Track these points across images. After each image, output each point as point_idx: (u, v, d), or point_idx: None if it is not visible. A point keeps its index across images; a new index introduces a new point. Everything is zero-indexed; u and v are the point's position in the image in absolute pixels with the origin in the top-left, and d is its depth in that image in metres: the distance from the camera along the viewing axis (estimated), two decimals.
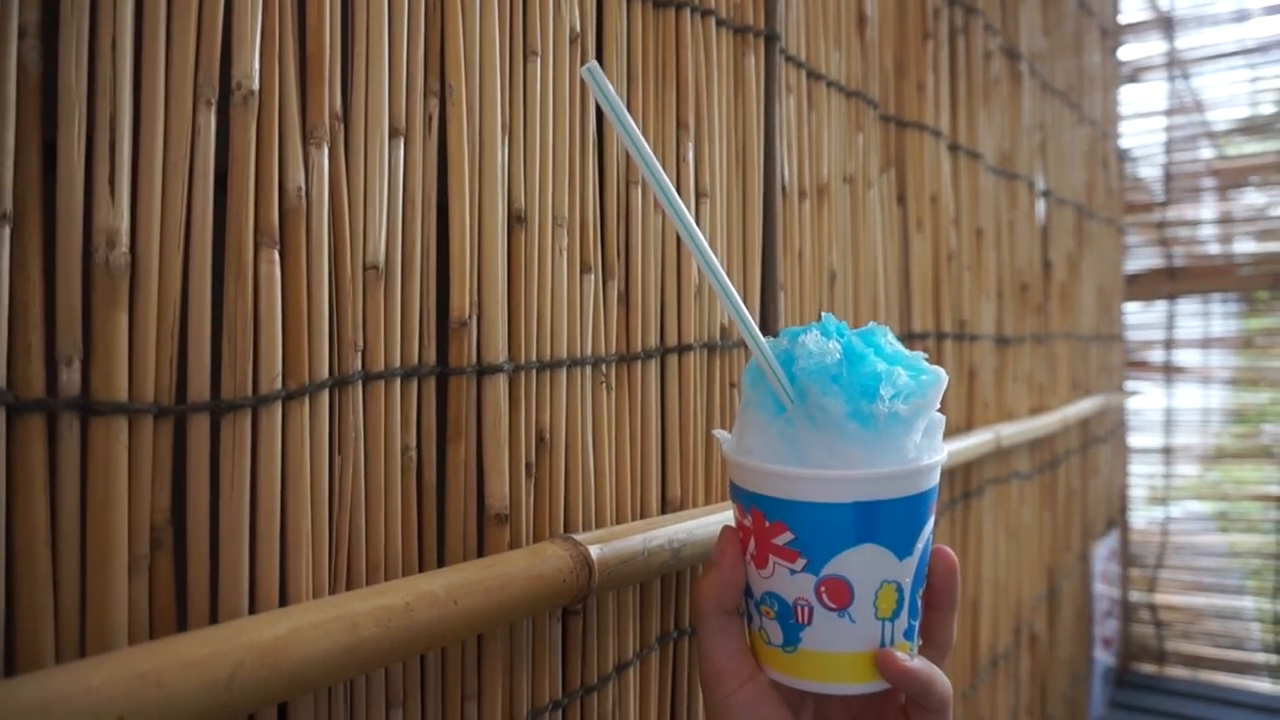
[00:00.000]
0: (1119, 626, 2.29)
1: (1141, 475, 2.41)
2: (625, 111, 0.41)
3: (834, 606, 0.42)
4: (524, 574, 0.45)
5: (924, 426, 0.42)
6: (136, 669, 0.30)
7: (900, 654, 0.42)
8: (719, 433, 0.47)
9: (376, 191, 0.43)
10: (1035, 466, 1.48)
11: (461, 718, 0.48)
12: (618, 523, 0.58)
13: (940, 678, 0.43)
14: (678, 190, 0.62)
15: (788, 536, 0.42)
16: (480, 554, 0.49)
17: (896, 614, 0.43)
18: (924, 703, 0.43)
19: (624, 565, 0.51)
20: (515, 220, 0.51)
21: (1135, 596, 2.39)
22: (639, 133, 0.41)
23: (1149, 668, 2.38)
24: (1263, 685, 2.27)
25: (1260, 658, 2.28)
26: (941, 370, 0.43)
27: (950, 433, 1.11)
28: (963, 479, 1.15)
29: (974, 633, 1.22)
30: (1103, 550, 2.02)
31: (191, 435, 0.36)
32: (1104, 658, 2.08)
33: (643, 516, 0.60)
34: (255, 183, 0.38)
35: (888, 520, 0.41)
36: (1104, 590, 2.05)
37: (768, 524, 0.42)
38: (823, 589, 0.42)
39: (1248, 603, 2.29)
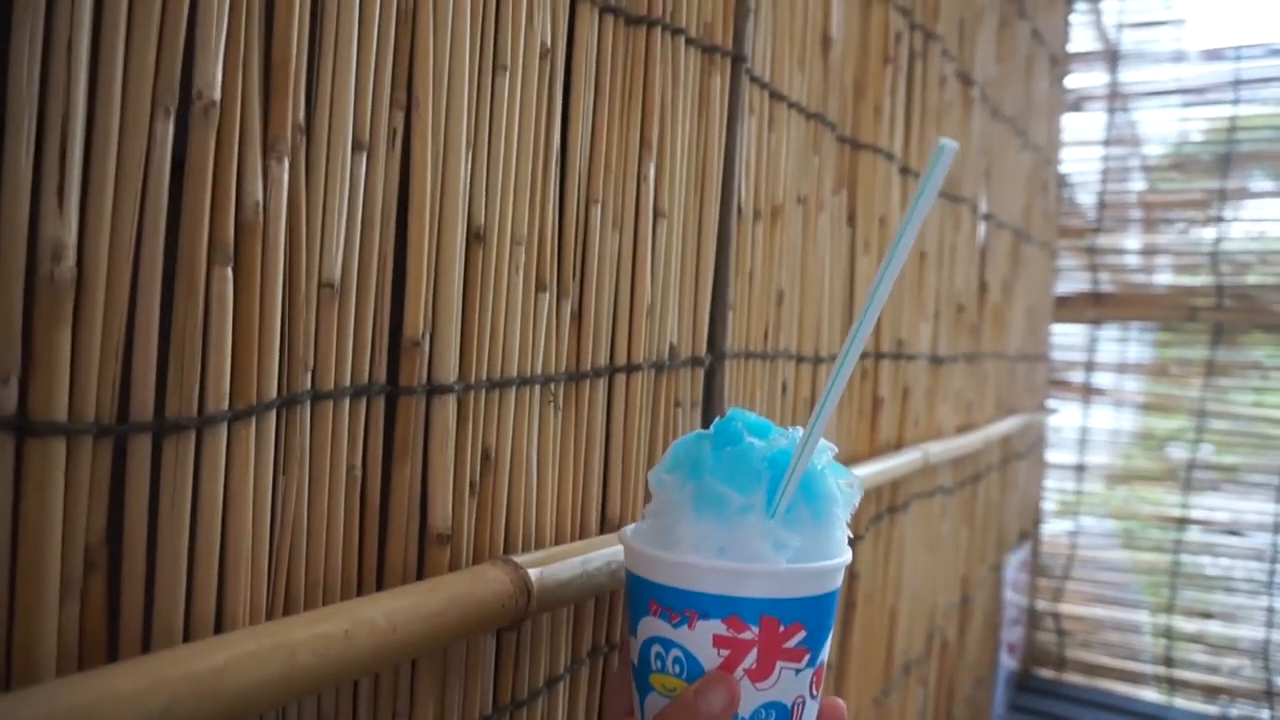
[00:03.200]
0: (1023, 633, 2.38)
1: (1054, 489, 2.50)
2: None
3: (815, 694, 0.43)
4: (464, 599, 0.45)
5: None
6: (67, 702, 0.29)
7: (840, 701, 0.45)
8: (680, 558, 0.41)
9: (336, 207, 0.42)
10: (958, 481, 1.53)
11: None
12: (557, 542, 0.58)
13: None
14: (635, 212, 0.62)
15: (801, 635, 0.41)
16: (420, 574, 0.49)
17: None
18: None
19: (563, 589, 0.51)
20: (474, 238, 0.50)
21: (1041, 605, 2.49)
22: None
23: (1049, 673, 2.48)
24: (1151, 695, 2.39)
25: (1150, 669, 2.39)
26: (852, 486, 0.46)
27: (882, 450, 1.14)
28: (890, 495, 1.18)
29: (890, 641, 1.26)
30: (1015, 561, 2.10)
31: (132, 455, 0.35)
32: (1008, 663, 2.17)
33: (582, 535, 0.60)
34: (211, 196, 0.37)
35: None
36: (1013, 599, 2.13)
37: (782, 629, 0.40)
38: (814, 678, 0.42)
39: (1144, 617, 2.40)
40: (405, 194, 0.47)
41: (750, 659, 0.40)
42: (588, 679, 0.63)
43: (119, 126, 0.34)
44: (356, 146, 0.44)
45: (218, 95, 0.37)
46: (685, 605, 0.41)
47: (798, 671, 0.41)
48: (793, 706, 0.41)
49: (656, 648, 0.42)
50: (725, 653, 0.40)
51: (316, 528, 0.43)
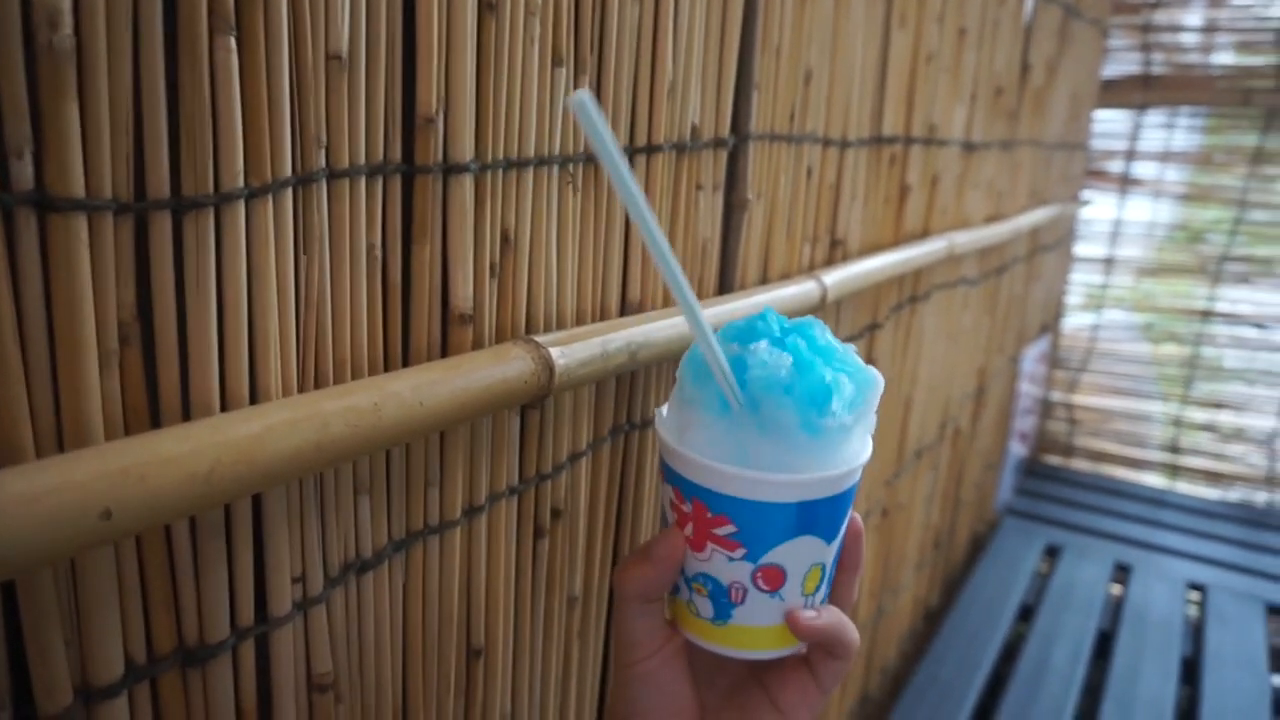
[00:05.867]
0: (1035, 423, 2.45)
1: (1079, 283, 2.49)
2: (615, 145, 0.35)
3: (767, 589, 0.44)
4: (488, 376, 0.46)
5: (862, 429, 0.44)
6: (119, 464, 0.31)
7: (808, 613, 0.45)
8: (660, 414, 0.46)
9: None
10: (982, 273, 1.52)
11: (424, 503, 0.51)
12: (577, 323, 0.59)
13: (849, 628, 0.46)
14: None
15: (730, 529, 0.43)
16: (444, 353, 0.50)
17: (819, 589, 0.46)
18: (835, 652, 0.46)
19: (583, 368, 0.53)
20: (486, 7, 0.47)
21: (1055, 396, 2.54)
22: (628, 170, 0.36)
23: (1056, 460, 2.58)
24: (1153, 479, 2.48)
25: (1155, 455, 2.48)
26: (878, 374, 0.44)
27: (907, 239, 1.12)
28: (911, 284, 1.18)
29: (903, 427, 1.30)
30: (1033, 352, 2.12)
31: (153, 233, 0.36)
32: (1018, 450, 2.24)
33: (602, 318, 0.61)
34: None
35: (824, 514, 0.43)
36: (1028, 390, 2.17)
37: (710, 515, 0.43)
38: (759, 575, 0.44)
39: (1156, 407, 2.45)
40: None
41: (689, 529, 0.45)
42: (609, 456, 0.66)
43: None
44: None
45: None
46: (662, 465, 0.46)
47: (730, 559, 0.44)
48: (730, 587, 0.44)
49: (661, 495, 0.48)
50: (675, 515, 0.45)
51: (340, 306, 0.44)
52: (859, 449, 0.44)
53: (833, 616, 0.45)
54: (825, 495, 0.43)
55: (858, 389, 0.43)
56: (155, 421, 0.37)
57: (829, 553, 0.45)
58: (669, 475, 0.45)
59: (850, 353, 0.45)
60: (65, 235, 0.33)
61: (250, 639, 0.43)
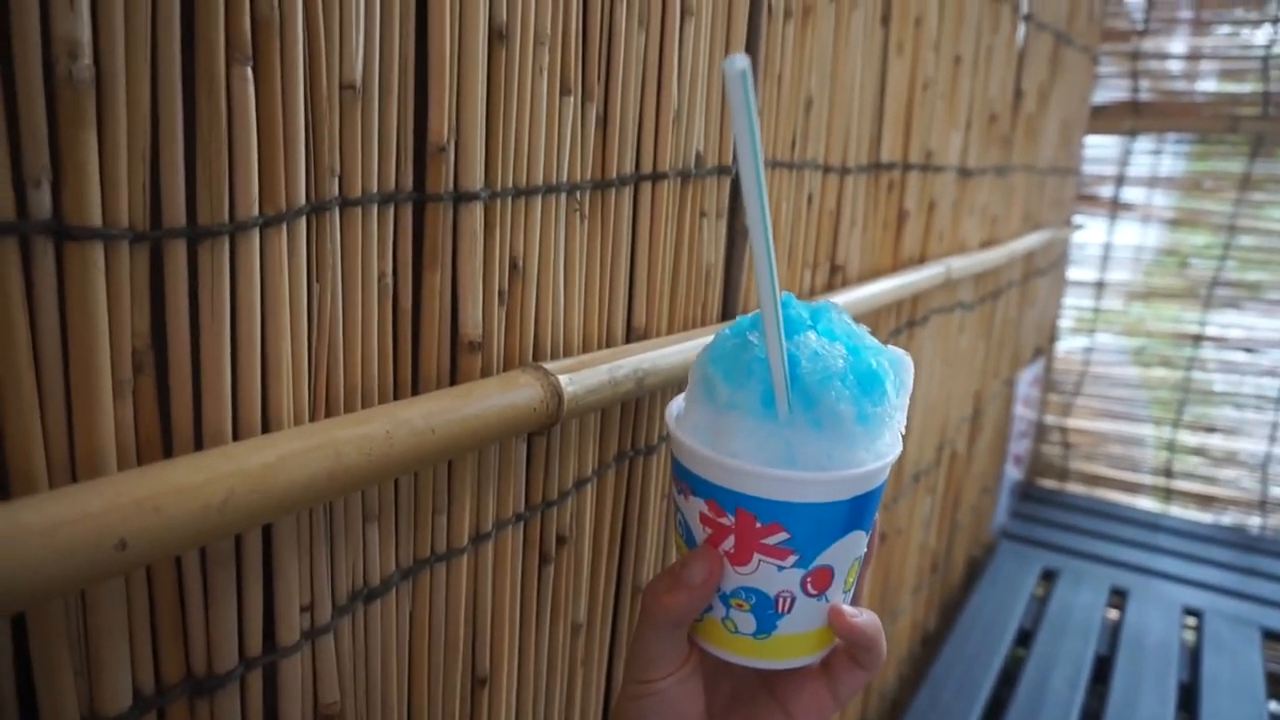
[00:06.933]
0: (1030, 446, 2.45)
1: (1071, 306, 2.50)
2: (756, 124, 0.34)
3: (815, 593, 0.42)
4: (499, 403, 0.46)
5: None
6: (133, 495, 0.31)
7: (850, 609, 0.43)
8: (674, 425, 0.43)
9: (353, 2, 0.40)
10: (978, 297, 1.53)
11: (432, 529, 0.51)
12: (584, 350, 0.59)
13: (882, 634, 0.44)
14: (662, 9, 0.59)
15: (782, 537, 0.40)
16: (453, 380, 0.50)
17: (854, 584, 0.44)
18: (864, 659, 0.44)
19: (592, 395, 0.53)
20: (496, 37, 0.48)
21: (1049, 419, 2.55)
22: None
23: (1051, 483, 2.58)
24: (1147, 503, 2.49)
25: (1149, 479, 2.48)
26: (904, 352, 0.43)
27: (905, 264, 1.13)
28: (910, 309, 1.19)
29: (902, 451, 1.30)
30: (1028, 376, 2.13)
31: (168, 261, 0.36)
32: (1013, 473, 2.25)
33: (608, 344, 0.61)
34: None
35: (871, 505, 0.42)
36: (1023, 413, 2.18)
37: (759, 525, 0.40)
38: (809, 580, 0.42)
39: (1148, 430, 2.46)
40: None
41: (729, 543, 0.41)
42: (614, 482, 0.66)
43: None
44: None
45: None
46: (682, 477, 0.43)
47: (780, 568, 0.41)
48: (777, 598, 0.42)
49: (675, 509, 0.46)
50: (708, 531, 0.42)
51: (352, 334, 0.44)
52: (896, 431, 0.42)
53: (872, 618, 0.44)
54: (875, 486, 0.41)
55: (894, 370, 0.42)
56: (168, 450, 0.37)
57: (866, 544, 0.44)
58: (701, 488, 0.42)
59: (867, 333, 0.43)
60: (82, 264, 0.33)
61: (258, 669, 0.43)
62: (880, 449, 0.41)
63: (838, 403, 0.39)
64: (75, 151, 0.32)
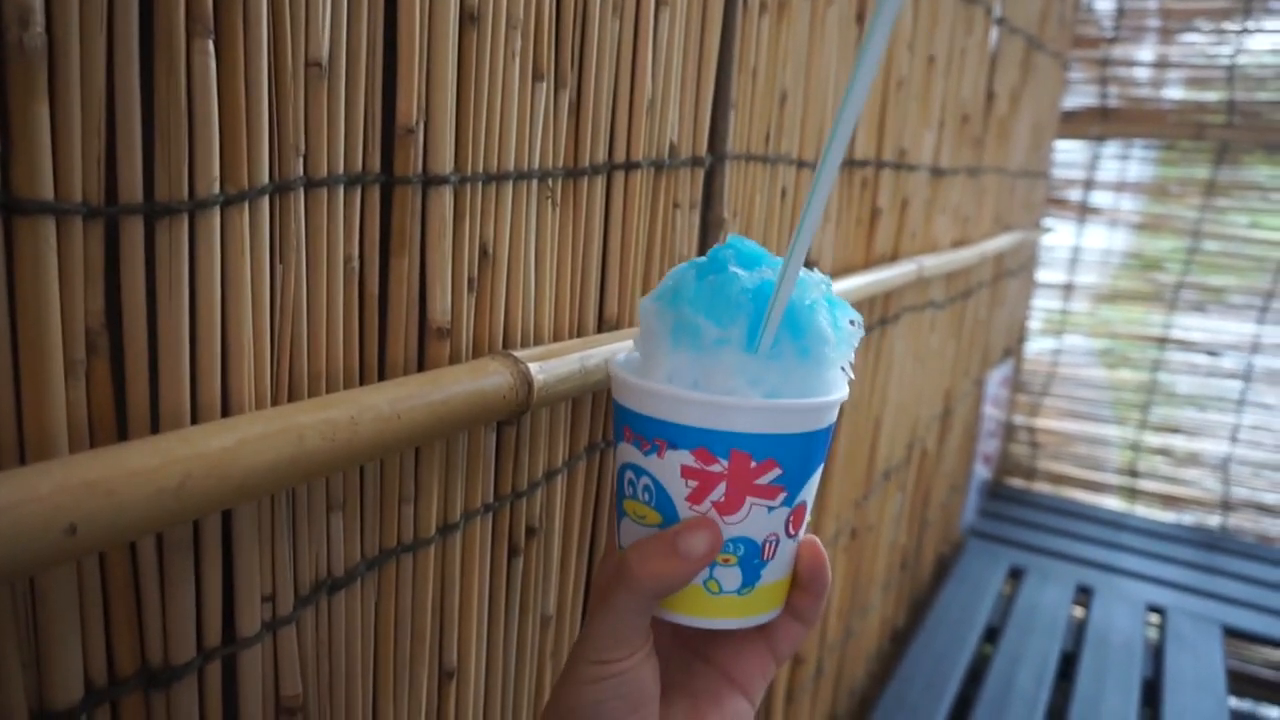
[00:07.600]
0: (999, 445, 2.48)
1: (1040, 308, 2.53)
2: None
3: (794, 533, 0.41)
4: (467, 389, 0.45)
5: None
6: (84, 477, 0.30)
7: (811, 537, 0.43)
8: (632, 375, 0.41)
9: None
10: (949, 296, 1.54)
11: (398, 519, 0.50)
12: (555, 339, 0.58)
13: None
14: None
15: (776, 473, 0.39)
16: (421, 367, 0.49)
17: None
18: (815, 589, 0.43)
19: (562, 384, 0.52)
20: (468, 19, 0.47)
21: (1018, 419, 2.57)
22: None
23: (1019, 483, 2.61)
24: (1112, 503, 2.52)
25: (1114, 479, 2.51)
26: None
27: (877, 262, 1.13)
28: (882, 306, 1.19)
29: (872, 448, 1.31)
30: (997, 376, 2.15)
31: (125, 238, 0.34)
32: (982, 472, 2.27)
33: (579, 334, 0.61)
34: None
35: (832, 434, 0.42)
36: (992, 413, 2.20)
37: (754, 464, 0.39)
38: (791, 518, 0.41)
39: (1114, 431, 2.50)
40: None
41: (718, 492, 0.39)
42: (584, 474, 0.65)
43: None
44: None
45: None
46: (656, 434, 0.40)
47: (770, 509, 0.40)
48: (764, 544, 0.40)
49: (629, 474, 0.42)
50: (693, 484, 0.39)
51: (316, 318, 0.43)
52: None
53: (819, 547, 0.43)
54: (835, 416, 0.42)
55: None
56: (123, 433, 0.36)
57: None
58: (686, 439, 0.39)
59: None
60: (32, 239, 0.31)
61: (217, 660, 0.41)
62: (838, 376, 0.41)
63: (822, 326, 0.39)
64: (26, 122, 0.31)
